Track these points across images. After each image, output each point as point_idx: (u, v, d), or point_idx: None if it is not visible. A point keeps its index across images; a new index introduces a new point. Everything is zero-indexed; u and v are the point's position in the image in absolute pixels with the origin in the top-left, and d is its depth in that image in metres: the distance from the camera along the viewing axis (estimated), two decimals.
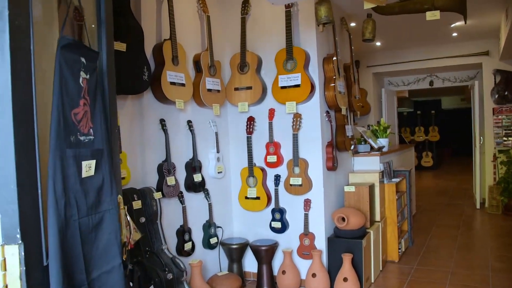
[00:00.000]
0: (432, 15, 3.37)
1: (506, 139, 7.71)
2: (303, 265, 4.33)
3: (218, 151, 4.29)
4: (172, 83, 3.53)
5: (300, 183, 4.27)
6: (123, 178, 3.17)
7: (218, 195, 4.38)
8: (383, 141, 5.70)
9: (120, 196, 1.89)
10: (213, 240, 4.14)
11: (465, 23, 3.71)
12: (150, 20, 3.58)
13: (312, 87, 4.14)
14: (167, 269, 3.15)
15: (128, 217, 1.91)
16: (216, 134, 4.29)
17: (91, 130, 1.74)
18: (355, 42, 5.46)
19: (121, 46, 3.04)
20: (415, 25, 6.48)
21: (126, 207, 1.93)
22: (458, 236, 6.09)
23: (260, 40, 4.42)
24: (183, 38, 3.84)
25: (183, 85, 3.65)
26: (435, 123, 15.04)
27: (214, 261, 4.27)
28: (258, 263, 4.32)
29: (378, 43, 7.66)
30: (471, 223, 6.97)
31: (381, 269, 4.78)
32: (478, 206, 8.02)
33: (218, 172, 4.30)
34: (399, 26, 6.47)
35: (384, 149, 5.55)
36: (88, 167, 1.68)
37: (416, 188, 8.19)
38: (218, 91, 4.17)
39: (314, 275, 4.07)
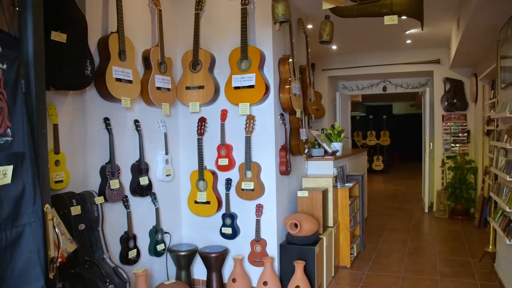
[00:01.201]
0: (390, 20, 3.32)
1: (454, 145, 7.91)
2: (254, 273, 4.19)
3: (167, 153, 4.08)
4: (118, 80, 3.29)
5: (252, 187, 4.12)
6: (61, 181, 2.92)
7: (166, 199, 4.16)
8: (337, 145, 5.66)
9: (47, 206, 1.65)
10: (160, 247, 3.91)
11: (422, 29, 3.70)
12: (95, 10, 3.32)
13: (267, 88, 4.01)
14: (108, 280, 2.91)
15: (57, 230, 1.68)
16: (165, 135, 4.07)
17: (8, 130, 1.49)
18: (311, 45, 5.38)
19: (60, 37, 2.78)
20: (372, 31, 6.50)
21: (54, 218, 1.69)
22: (408, 241, 6.15)
23: (214, 37, 4.25)
24: (131, 31, 3.60)
25: (130, 82, 3.41)
26: (386, 128, 15.34)
27: (161, 269, 4.05)
28: (208, 271, 4.14)
29: (334, 47, 7.66)
30: (420, 227, 7.08)
31: (333, 275, 4.71)
32: (426, 210, 8.19)
33: (167, 175, 4.08)
34: (355, 31, 6.47)
35: (338, 154, 5.51)
36: (3, 174, 1.44)
37: (367, 192, 8.26)
38: (168, 89, 3.96)
39: (265, 283, 3.94)
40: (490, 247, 4.74)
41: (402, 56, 8.13)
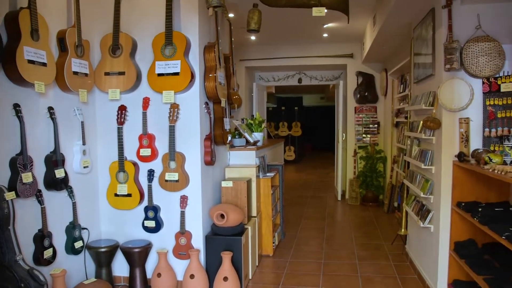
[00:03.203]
0: (318, 12, 3.36)
1: (365, 136, 8.33)
2: (180, 266, 4.07)
3: (84, 143, 3.79)
4: (31, 62, 2.97)
5: (176, 178, 3.98)
6: None
7: (83, 192, 3.88)
8: (258, 135, 5.67)
9: None
10: (78, 244, 3.63)
11: (348, 22, 3.80)
12: None
13: (192, 76, 3.87)
14: (23, 284, 2.64)
15: None
16: (82, 123, 3.78)
17: None
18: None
19: None
20: (290, 23, 6.58)
21: None
22: (325, 228, 6.37)
23: (136, 21, 4.01)
24: (45, 9, 3.26)
25: (44, 64, 3.10)
26: (297, 119, 15.78)
27: (80, 268, 3.77)
28: (130, 267, 3.94)
29: (252, 37, 7.66)
30: (335, 215, 7.37)
31: (257, 264, 4.73)
32: (339, 198, 8.55)
33: (84, 167, 3.80)
34: (274, 22, 6.51)
35: (259, 144, 5.52)
36: None
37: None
38: (86, 74, 3.67)
39: (192, 276, 3.83)
40: (402, 230, 5.05)
41: (318, 49, 8.37)
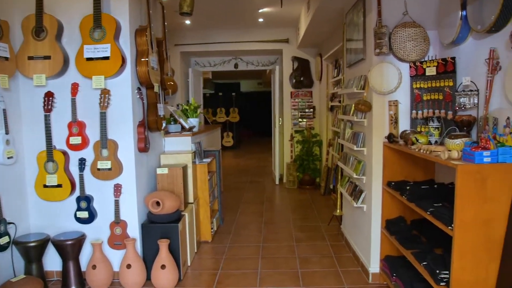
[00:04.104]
0: None
1: (301, 120, 8.48)
2: (116, 257, 3.96)
3: (7, 132, 3.56)
4: None
5: (109, 166, 3.85)
6: None
7: (8, 185, 3.66)
8: (193, 121, 5.60)
9: None
10: (3, 240, 3.43)
11: (281, 7, 3.80)
12: None
13: (123, 60, 3.74)
14: None
15: None
16: (4, 111, 3.54)
17: None
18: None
19: None
20: (225, 7, 6.52)
21: None
22: (263, 212, 6.45)
23: (61, 1, 3.79)
24: None
25: None
26: (235, 105, 15.77)
27: (7, 265, 3.56)
28: (63, 260, 3.78)
29: (187, 22, 7.52)
30: (273, 199, 7.48)
31: (196, 250, 4.70)
32: (277, 182, 8.68)
33: (8, 158, 3.57)
34: (209, 6, 6.42)
35: (195, 129, 5.46)
36: None
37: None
38: (6, 59, 3.44)
39: (129, 266, 3.74)
40: (338, 211, 5.21)
41: (254, 34, 8.37)
